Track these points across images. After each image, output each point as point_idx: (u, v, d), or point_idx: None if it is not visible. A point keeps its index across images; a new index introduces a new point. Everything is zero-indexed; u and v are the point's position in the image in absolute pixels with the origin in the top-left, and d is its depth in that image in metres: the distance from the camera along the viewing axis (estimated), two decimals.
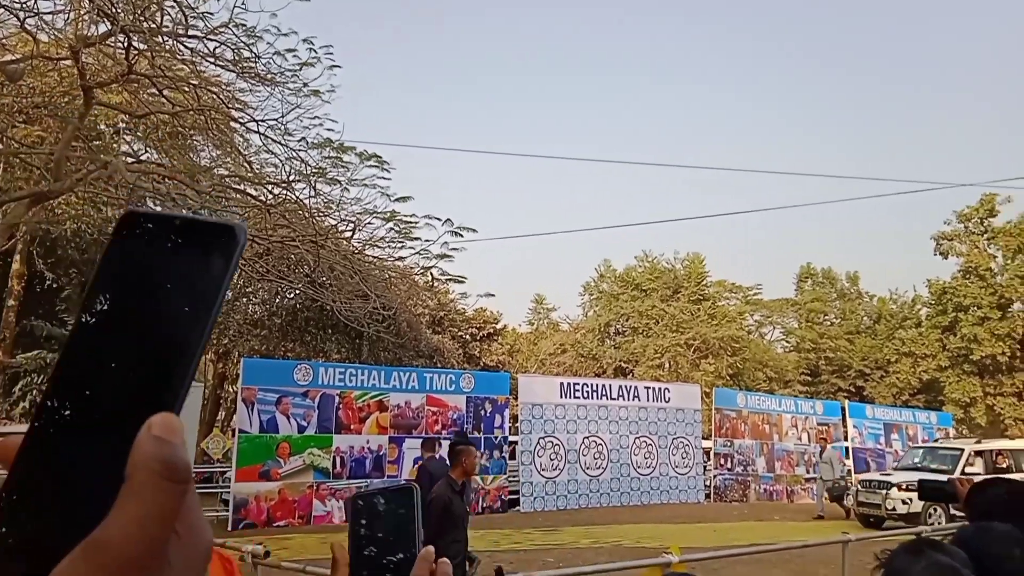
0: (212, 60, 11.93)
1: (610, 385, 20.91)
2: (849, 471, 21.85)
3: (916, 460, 18.23)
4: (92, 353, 0.44)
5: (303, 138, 13.27)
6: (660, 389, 21.55)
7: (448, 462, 7.08)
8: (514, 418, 19.81)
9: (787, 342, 47.85)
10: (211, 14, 11.23)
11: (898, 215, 73.81)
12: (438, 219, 15.30)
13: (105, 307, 0.45)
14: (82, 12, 10.90)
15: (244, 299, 23.79)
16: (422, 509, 0.90)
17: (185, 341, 0.45)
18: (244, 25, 11.29)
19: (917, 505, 15.50)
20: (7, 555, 0.41)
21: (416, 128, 77.34)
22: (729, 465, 21.54)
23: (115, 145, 14.51)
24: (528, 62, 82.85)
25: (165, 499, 0.41)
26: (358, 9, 77.12)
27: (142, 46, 11.02)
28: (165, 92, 12.08)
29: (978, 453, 17.25)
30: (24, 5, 10.12)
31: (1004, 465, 17.08)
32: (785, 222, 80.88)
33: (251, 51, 11.70)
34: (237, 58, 11.81)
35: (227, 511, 14.89)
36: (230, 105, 13.15)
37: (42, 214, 14.51)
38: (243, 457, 14.88)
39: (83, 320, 0.45)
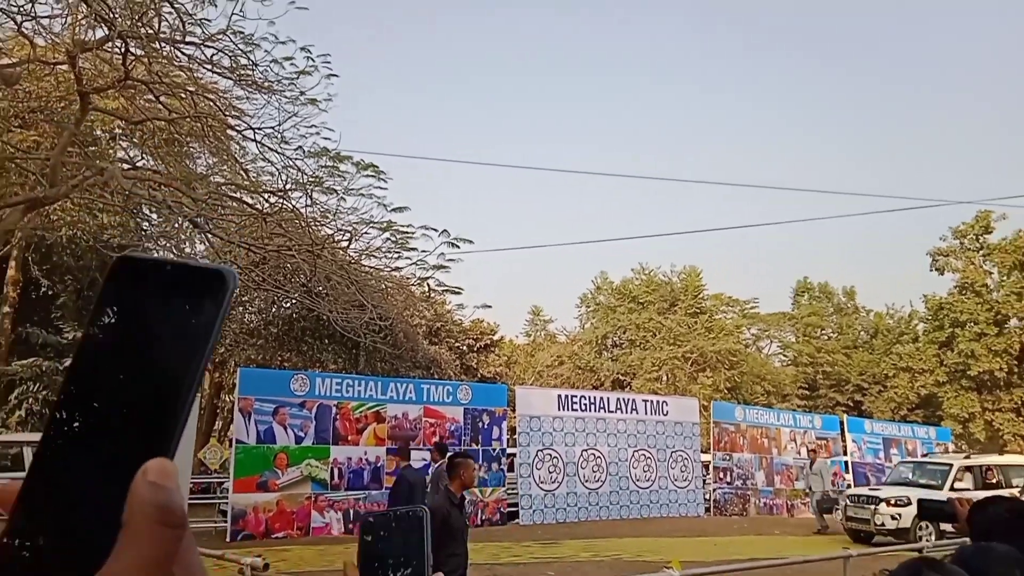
0: (209, 67, 11.90)
1: (608, 398, 20.81)
2: (849, 485, 21.75)
3: (905, 475, 18.08)
4: (86, 398, 0.45)
5: (300, 147, 13.20)
6: (658, 402, 21.47)
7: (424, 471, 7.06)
8: (512, 430, 19.69)
9: (784, 356, 47.84)
10: (209, 21, 11.20)
11: (894, 231, 74.09)
12: (435, 230, 15.19)
13: (98, 353, 0.45)
14: (79, 17, 10.85)
15: (240, 308, 23.69)
16: (432, 533, 0.91)
17: (177, 385, 0.45)
18: (242, 32, 11.25)
19: (906, 521, 15.37)
20: None
21: (414, 138, 77.56)
22: (728, 479, 21.42)
23: (111, 151, 14.44)
24: (527, 70, 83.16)
25: (162, 544, 0.42)
26: (354, 14, 77.43)
27: (139, 52, 10.98)
28: (162, 98, 12.05)
29: (967, 468, 17.10)
30: (21, 9, 10.06)
31: (994, 481, 16.90)
32: (782, 236, 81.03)
33: (248, 58, 11.67)
34: (234, 65, 11.77)
35: (225, 522, 14.72)
36: (227, 112, 13.10)
37: (37, 220, 14.42)
38: (240, 468, 14.75)
39: (77, 366, 0.46)
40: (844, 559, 9.11)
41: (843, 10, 76.04)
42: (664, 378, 38.96)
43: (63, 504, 0.43)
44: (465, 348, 33.52)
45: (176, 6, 10.68)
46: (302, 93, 12.54)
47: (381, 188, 14.68)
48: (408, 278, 17.32)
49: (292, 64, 12.08)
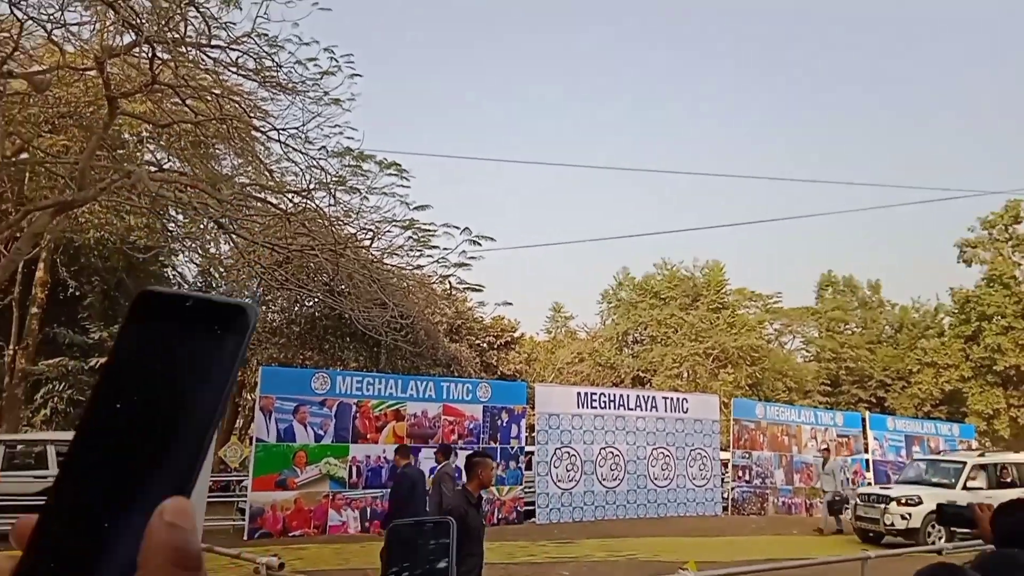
0: (234, 70, 12.08)
1: (628, 395, 20.80)
2: (869, 483, 21.60)
3: (918, 473, 17.79)
4: (107, 432, 0.45)
5: (323, 147, 13.37)
6: (678, 399, 21.39)
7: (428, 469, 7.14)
8: (531, 428, 19.75)
9: (807, 351, 47.37)
10: (233, 24, 11.39)
11: (921, 222, 73.17)
12: (456, 227, 15.33)
13: (117, 387, 0.45)
14: (107, 23, 11.08)
15: (263, 307, 23.96)
16: (457, 540, 0.94)
17: (197, 422, 0.45)
18: (266, 35, 11.43)
19: (916, 521, 15.11)
20: None
21: (435, 135, 77.65)
22: (747, 477, 21.34)
23: (138, 154, 14.71)
24: (550, 66, 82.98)
25: None
26: (380, 11, 77.68)
27: (166, 56, 11.18)
28: (188, 101, 12.23)
29: (981, 467, 16.73)
30: (51, 17, 10.28)
31: (1008, 480, 16.62)
32: (806, 229, 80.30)
33: (273, 60, 11.85)
34: (259, 67, 11.95)
35: (243, 520, 14.86)
36: (252, 114, 13.28)
37: (66, 223, 14.71)
38: (260, 466, 14.87)
39: (96, 400, 0.45)
40: (862, 561, 9.13)
41: (866, 13, 75.10)
42: (685, 374, 38.79)
43: (78, 541, 0.43)
44: (485, 345, 33.59)
45: (202, 10, 10.88)
46: (326, 93, 12.71)
47: (403, 186, 14.84)
48: (429, 276, 17.47)
49: (316, 65, 12.26)
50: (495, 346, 34.27)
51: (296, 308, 24.37)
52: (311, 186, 13.51)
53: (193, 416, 0.45)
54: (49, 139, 13.84)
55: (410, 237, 15.65)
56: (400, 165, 14.93)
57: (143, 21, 10.45)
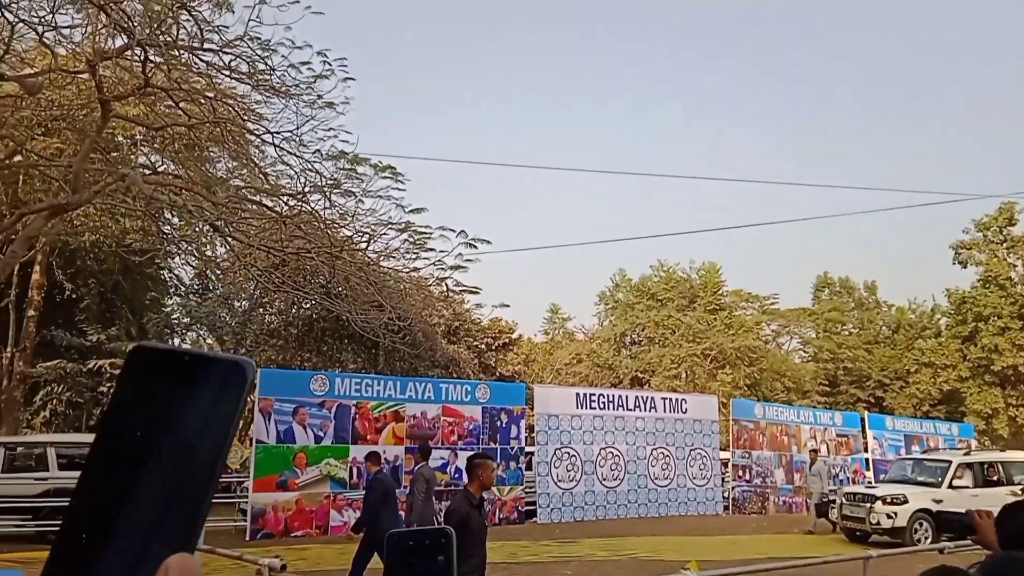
0: (227, 73, 12.03)
1: (627, 396, 20.81)
2: (869, 483, 21.58)
3: (903, 472, 17.71)
4: (106, 492, 0.44)
5: (318, 150, 13.33)
6: (677, 400, 21.42)
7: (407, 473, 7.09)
8: (530, 428, 19.74)
9: (805, 352, 47.41)
10: (226, 27, 11.35)
11: (916, 224, 73.25)
12: (452, 230, 15.29)
13: (116, 446, 0.45)
14: (99, 26, 11.02)
15: (261, 309, 23.91)
16: (459, 542, 0.92)
17: (198, 477, 0.45)
18: (259, 38, 11.38)
19: (902, 520, 15.01)
20: None
21: (430, 139, 77.63)
22: (747, 477, 21.34)
23: (132, 157, 14.63)
24: (545, 69, 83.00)
25: None
26: (373, 13, 77.65)
27: (158, 59, 11.12)
28: (181, 104, 12.19)
29: (967, 465, 16.59)
30: (43, 19, 10.23)
31: (994, 478, 16.50)
32: (802, 231, 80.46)
33: (266, 64, 11.79)
34: (252, 71, 11.90)
35: (245, 521, 14.91)
36: (245, 117, 13.25)
37: (61, 226, 14.66)
38: (260, 467, 14.93)
39: (94, 457, 0.45)
40: (864, 560, 9.08)
41: (861, 16, 75.27)
42: (683, 375, 38.79)
43: None
44: (483, 347, 33.59)
45: (194, 14, 10.83)
46: (320, 96, 12.66)
47: (399, 190, 14.78)
48: (426, 278, 17.44)
49: (309, 68, 12.20)
50: (493, 347, 34.27)
51: (294, 310, 24.33)
52: (306, 189, 13.47)
53: (192, 473, 0.45)
54: (42, 142, 13.79)
55: (406, 240, 15.61)
56: (395, 168, 14.88)
57: (135, 24, 10.40)
